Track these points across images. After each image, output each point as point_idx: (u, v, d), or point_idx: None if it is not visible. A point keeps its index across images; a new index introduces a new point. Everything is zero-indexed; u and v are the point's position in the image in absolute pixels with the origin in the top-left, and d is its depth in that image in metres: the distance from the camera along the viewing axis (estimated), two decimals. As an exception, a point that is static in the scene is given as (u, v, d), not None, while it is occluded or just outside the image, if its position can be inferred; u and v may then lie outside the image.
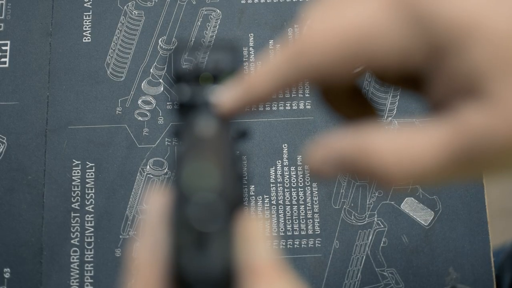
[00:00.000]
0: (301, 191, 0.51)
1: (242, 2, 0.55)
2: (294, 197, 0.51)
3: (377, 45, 0.23)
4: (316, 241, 0.50)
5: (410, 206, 0.51)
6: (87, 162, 0.51)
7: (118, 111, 0.52)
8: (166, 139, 0.52)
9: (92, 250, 0.49)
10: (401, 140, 0.23)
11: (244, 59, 0.48)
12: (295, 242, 0.50)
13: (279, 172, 0.51)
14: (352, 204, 0.50)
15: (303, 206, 0.51)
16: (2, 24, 0.54)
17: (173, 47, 0.30)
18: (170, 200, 0.23)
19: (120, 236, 0.50)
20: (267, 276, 0.23)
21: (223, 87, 0.30)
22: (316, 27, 0.24)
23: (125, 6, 0.54)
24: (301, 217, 0.50)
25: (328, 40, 0.24)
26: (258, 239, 0.24)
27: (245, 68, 0.49)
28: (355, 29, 0.24)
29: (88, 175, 0.51)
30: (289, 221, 0.50)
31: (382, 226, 0.50)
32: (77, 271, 0.49)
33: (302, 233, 0.50)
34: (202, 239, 0.21)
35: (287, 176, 0.51)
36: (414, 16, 0.23)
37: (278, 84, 0.26)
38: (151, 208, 0.25)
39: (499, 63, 0.22)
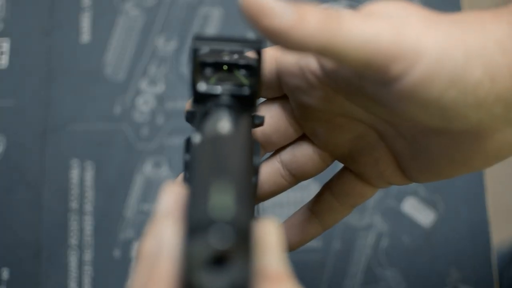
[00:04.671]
0: (301, 190, 0.51)
1: (242, 1, 0.55)
2: (294, 197, 0.51)
3: None
4: (316, 241, 0.50)
5: (410, 206, 0.51)
6: (86, 162, 0.51)
7: (118, 111, 0.52)
8: (165, 139, 0.52)
9: (91, 250, 0.49)
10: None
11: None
12: (295, 242, 0.50)
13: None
14: (352, 204, 0.50)
15: (303, 206, 0.51)
16: (1, 24, 0.54)
17: (193, 36, 0.30)
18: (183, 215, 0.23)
19: (119, 237, 0.50)
20: (285, 282, 0.23)
21: (248, 79, 0.30)
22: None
23: (125, 6, 0.54)
24: (301, 217, 0.50)
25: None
26: (273, 245, 0.23)
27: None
28: None
29: (87, 175, 0.51)
30: (289, 221, 0.50)
31: (383, 226, 0.50)
32: (76, 272, 0.49)
33: (302, 233, 0.50)
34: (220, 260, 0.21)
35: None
36: None
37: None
38: (166, 198, 0.25)
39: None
